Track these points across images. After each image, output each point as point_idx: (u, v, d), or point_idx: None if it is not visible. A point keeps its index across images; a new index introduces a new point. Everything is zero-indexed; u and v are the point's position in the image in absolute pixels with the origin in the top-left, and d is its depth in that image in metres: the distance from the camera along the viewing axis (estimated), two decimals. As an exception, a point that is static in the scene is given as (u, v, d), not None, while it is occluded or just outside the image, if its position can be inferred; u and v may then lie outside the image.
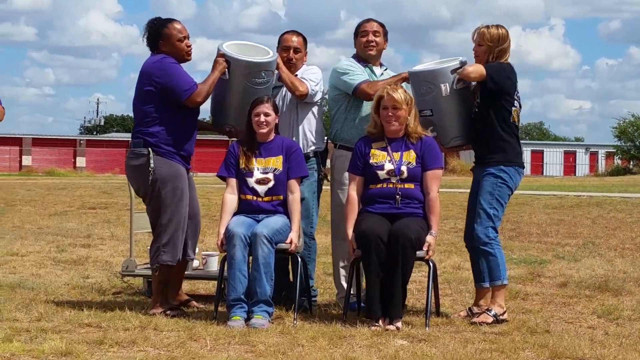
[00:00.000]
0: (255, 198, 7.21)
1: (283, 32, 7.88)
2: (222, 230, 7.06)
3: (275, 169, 7.22)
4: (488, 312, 7.05)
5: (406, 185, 7.07)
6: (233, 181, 7.27)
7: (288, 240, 7.04)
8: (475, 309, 7.29)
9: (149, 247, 7.56)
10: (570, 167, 77.83)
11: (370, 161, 7.14)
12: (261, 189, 7.20)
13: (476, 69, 7.08)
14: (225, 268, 7.03)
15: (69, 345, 5.84)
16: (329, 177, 7.89)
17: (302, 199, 7.49)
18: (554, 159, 77.44)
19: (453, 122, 7.35)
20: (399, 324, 6.73)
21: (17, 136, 68.88)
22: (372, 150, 7.17)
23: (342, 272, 7.68)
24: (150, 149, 7.19)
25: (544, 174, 73.15)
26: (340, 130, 7.74)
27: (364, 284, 7.31)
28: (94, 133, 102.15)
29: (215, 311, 7.07)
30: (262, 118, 7.20)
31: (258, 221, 7.09)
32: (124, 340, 6.10)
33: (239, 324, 6.68)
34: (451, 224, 16.36)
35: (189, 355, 5.77)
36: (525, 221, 17.28)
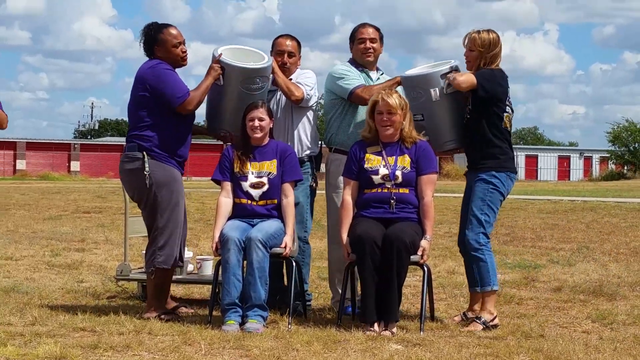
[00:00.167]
0: (249, 202, 7.21)
1: (277, 36, 7.87)
2: (217, 234, 7.06)
3: (270, 173, 7.22)
4: (477, 320, 7.05)
5: (401, 190, 7.07)
6: (228, 185, 7.27)
7: (282, 245, 7.04)
8: (470, 314, 7.29)
9: (143, 252, 7.55)
10: (564, 172, 77.91)
11: (365, 166, 7.14)
12: (255, 193, 7.21)
13: (467, 79, 7.07)
14: (220, 272, 7.03)
15: (63, 349, 5.83)
16: (327, 183, 7.85)
17: (297, 204, 7.49)
18: (548, 163, 77.52)
19: (445, 126, 7.35)
20: (394, 329, 6.73)
21: (11, 140, 68.75)
22: (367, 155, 7.17)
23: (338, 276, 7.67)
24: (144, 153, 7.19)
25: (538, 178, 73.21)
26: (335, 135, 7.75)
27: (358, 288, 7.31)
28: (88, 137, 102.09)
29: (209, 315, 7.07)
30: (257, 123, 7.20)
31: (252, 225, 7.10)
32: (118, 344, 6.09)
33: (233, 329, 6.68)
34: (445, 228, 16.37)
35: (183, 359, 5.76)
36: (519, 226, 17.29)
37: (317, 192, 7.92)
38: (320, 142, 7.94)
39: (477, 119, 7.21)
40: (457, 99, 7.27)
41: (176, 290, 8.83)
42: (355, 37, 7.81)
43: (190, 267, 8.25)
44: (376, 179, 7.09)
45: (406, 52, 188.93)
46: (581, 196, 30.09)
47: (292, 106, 7.69)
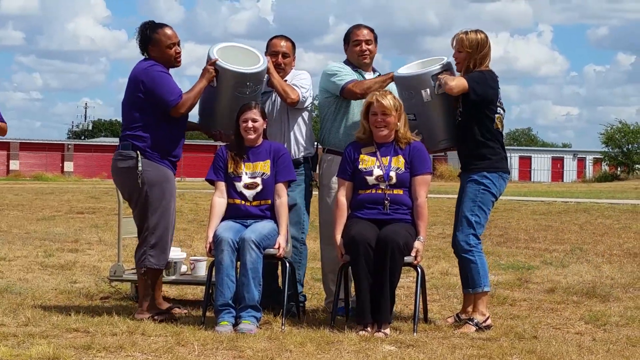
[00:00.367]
0: (243, 202, 7.20)
1: (271, 37, 7.86)
2: (211, 234, 7.05)
3: (263, 173, 7.22)
4: (470, 322, 7.05)
5: (395, 191, 7.07)
6: (222, 185, 7.26)
7: (276, 245, 7.04)
8: (463, 316, 7.29)
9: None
10: (558, 173, 78.02)
11: (359, 166, 7.14)
12: (249, 193, 7.20)
13: (458, 84, 7.05)
14: (213, 273, 7.02)
15: (56, 350, 5.82)
16: (318, 183, 7.86)
17: (294, 205, 7.50)
18: (541, 165, 77.62)
19: (438, 125, 7.35)
20: (387, 330, 6.73)
21: (5, 140, 68.57)
22: (362, 156, 7.18)
23: (331, 276, 7.67)
24: (138, 152, 7.19)
25: (532, 179, 73.32)
26: (328, 134, 7.75)
27: (352, 289, 7.31)
28: (82, 138, 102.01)
29: (203, 316, 7.06)
30: (250, 124, 7.20)
31: (246, 226, 7.09)
32: (111, 345, 6.09)
33: (226, 329, 6.68)
34: (439, 229, 16.38)
35: (176, 360, 5.77)
36: (513, 227, 17.31)
37: (313, 193, 7.91)
38: (315, 143, 7.94)
39: (468, 121, 7.21)
40: (449, 98, 7.26)
41: (169, 291, 8.82)
42: (350, 39, 7.80)
43: (183, 268, 8.24)
44: (370, 179, 7.09)
45: (400, 52, 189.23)
46: (575, 197, 30.16)
47: (288, 107, 7.68)
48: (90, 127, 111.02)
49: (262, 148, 7.30)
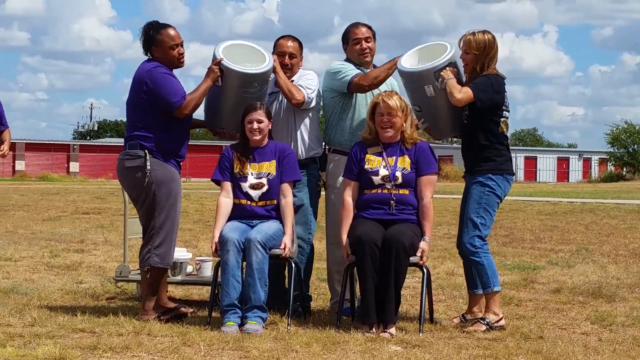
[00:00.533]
0: (249, 203, 7.21)
1: (278, 37, 7.84)
2: (217, 234, 7.06)
3: (269, 173, 7.22)
4: (481, 321, 7.04)
5: (401, 191, 7.08)
6: (228, 185, 7.26)
7: (282, 246, 7.04)
8: (469, 316, 7.28)
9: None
10: (563, 173, 77.92)
11: (365, 166, 7.15)
12: (255, 193, 7.21)
13: (464, 96, 7.01)
14: (219, 274, 7.03)
15: (62, 350, 5.83)
16: (326, 184, 7.84)
17: (301, 205, 7.50)
18: (547, 165, 77.54)
19: (443, 116, 7.31)
20: (393, 330, 6.73)
21: (10, 141, 68.71)
22: (367, 156, 7.18)
23: (337, 277, 7.67)
24: (146, 151, 7.19)
25: (537, 180, 73.20)
26: (334, 135, 7.74)
27: (357, 290, 7.31)
28: (88, 138, 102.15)
29: (209, 317, 7.06)
30: (255, 125, 7.20)
31: (252, 227, 7.10)
32: (117, 345, 6.09)
33: (232, 330, 6.68)
34: (445, 230, 16.37)
35: (182, 360, 5.77)
36: (518, 227, 17.29)
37: (321, 193, 7.89)
38: (323, 143, 7.93)
39: (473, 126, 7.20)
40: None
41: (175, 291, 8.83)
42: (349, 38, 7.78)
43: (189, 269, 8.25)
44: (376, 179, 7.10)
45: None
46: (580, 198, 30.10)
47: (296, 109, 7.67)
48: (95, 128, 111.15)
49: (267, 148, 7.30)
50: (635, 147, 67.32)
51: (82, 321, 6.91)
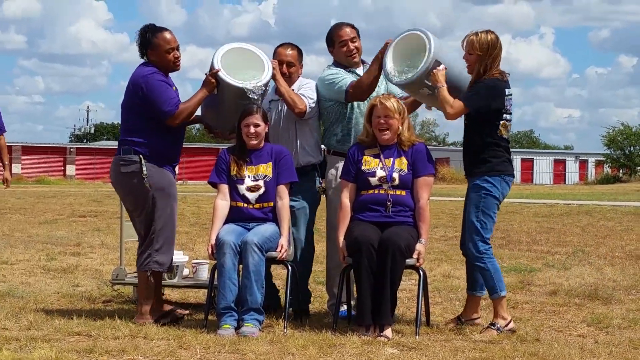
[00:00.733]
0: (246, 205, 7.21)
1: (278, 45, 7.80)
2: (214, 237, 7.06)
3: (266, 175, 7.22)
4: (492, 327, 7.02)
5: (397, 192, 7.08)
6: (224, 187, 7.26)
7: (279, 249, 7.05)
8: (464, 319, 7.28)
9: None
10: (560, 175, 78.01)
11: (363, 167, 7.15)
12: (252, 196, 7.21)
13: (456, 110, 6.98)
14: (216, 276, 7.03)
15: (58, 354, 5.83)
16: (327, 191, 7.82)
17: (301, 210, 7.52)
18: (543, 167, 77.62)
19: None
20: (389, 332, 6.73)
21: (7, 144, 68.62)
22: (365, 157, 7.18)
23: (337, 279, 7.64)
24: (141, 157, 7.19)
25: (534, 182, 73.31)
26: (334, 138, 7.72)
27: (354, 292, 7.31)
28: (84, 141, 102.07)
29: (205, 320, 7.06)
30: (252, 129, 7.20)
31: (248, 229, 7.10)
32: (113, 349, 6.09)
33: (229, 333, 6.68)
34: (441, 232, 16.38)
35: (179, 363, 5.77)
36: (515, 229, 17.31)
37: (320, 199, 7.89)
38: (323, 148, 7.92)
39: (470, 128, 7.17)
40: (451, 81, 7.19)
41: (172, 294, 8.83)
42: (334, 41, 7.73)
43: (185, 271, 8.24)
44: (373, 180, 7.10)
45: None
46: (577, 200, 30.13)
47: (296, 117, 7.65)
48: (92, 131, 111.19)
49: (264, 151, 7.30)
50: (632, 149, 67.46)
51: (79, 324, 6.91)
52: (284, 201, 7.21)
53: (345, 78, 7.57)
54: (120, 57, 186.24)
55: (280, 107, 7.71)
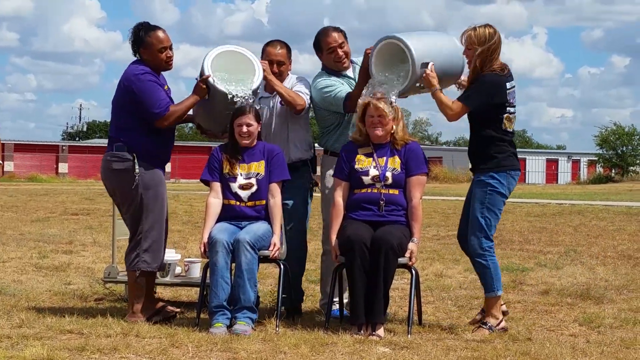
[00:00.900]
0: (238, 203, 7.20)
1: (266, 43, 7.76)
2: (206, 235, 7.05)
3: (258, 173, 7.22)
4: (483, 326, 7.03)
5: (390, 191, 7.08)
6: (217, 185, 7.26)
7: (271, 247, 7.04)
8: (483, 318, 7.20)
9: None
10: (552, 175, 78.09)
11: (356, 166, 7.15)
12: (244, 194, 7.20)
13: (457, 112, 7.00)
14: (208, 275, 7.02)
15: (50, 352, 5.82)
16: (319, 185, 7.84)
17: (294, 207, 7.50)
18: (536, 166, 77.67)
19: (447, 84, 7.35)
20: (381, 331, 6.73)
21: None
22: (358, 156, 7.18)
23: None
24: (134, 155, 7.18)
25: (526, 181, 73.31)
26: (328, 141, 7.71)
27: (347, 291, 7.31)
28: (77, 139, 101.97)
29: (197, 318, 7.06)
30: (245, 129, 7.19)
31: (241, 228, 7.10)
32: (105, 347, 6.08)
33: (221, 331, 6.68)
34: (434, 231, 16.39)
35: (171, 362, 5.76)
36: (507, 229, 17.31)
37: (314, 195, 7.89)
38: (315, 145, 7.91)
39: (474, 124, 7.15)
40: (444, 74, 7.20)
41: (164, 292, 8.82)
42: (322, 48, 7.67)
43: (178, 270, 8.24)
44: (366, 179, 7.10)
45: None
46: (569, 199, 30.17)
47: (287, 113, 7.64)
48: (84, 129, 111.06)
49: (256, 149, 7.30)
50: (624, 148, 67.55)
51: (70, 322, 6.90)
52: (276, 199, 7.21)
53: (341, 90, 7.52)
54: (113, 56, 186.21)
55: (271, 104, 7.70)
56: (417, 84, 7.14)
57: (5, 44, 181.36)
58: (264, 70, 7.40)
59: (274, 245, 7.05)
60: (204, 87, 7.24)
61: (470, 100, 7.02)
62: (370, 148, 7.20)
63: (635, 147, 68.10)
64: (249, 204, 7.20)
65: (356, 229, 6.90)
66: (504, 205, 7.21)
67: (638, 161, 68.49)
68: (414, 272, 7.07)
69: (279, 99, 7.62)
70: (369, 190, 7.10)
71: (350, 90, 7.48)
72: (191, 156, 64.19)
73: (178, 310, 7.56)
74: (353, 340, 6.51)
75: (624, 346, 6.51)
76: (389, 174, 7.09)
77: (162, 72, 7.41)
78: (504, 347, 6.33)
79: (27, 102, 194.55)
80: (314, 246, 8.14)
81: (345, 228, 6.99)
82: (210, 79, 7.21)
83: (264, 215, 7.20)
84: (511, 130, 7.18)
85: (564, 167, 79.84)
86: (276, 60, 7.65)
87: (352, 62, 7.78)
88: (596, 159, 71.41)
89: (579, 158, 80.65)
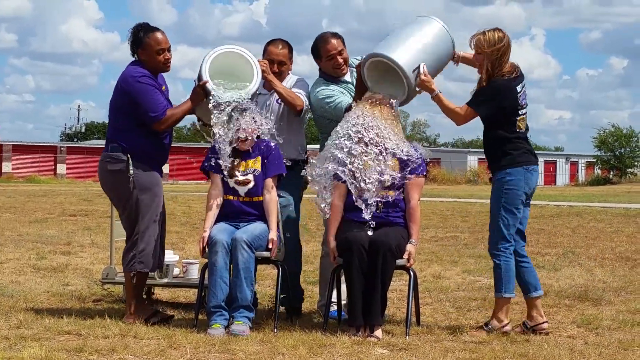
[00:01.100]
0: (235, 198, 7.20)
1: (269, 42, 7.73)
2: (207, 228, 7.05)
3: (255, 169, 7.22)
4: (484, 327, 7.02)
5: (389, 193, 7.08)
6: (217, 177, 7.22)
7: (270, 244, 7.04)
8: (529, 323, 7.15)
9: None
10: (550, 176, 78.11)
11: (354, 168, 7.14)
12: (241, 189, 7.20)
13: (466, 115, 7.00)
14: (206, 275, 7.02)
15: (48, 353, 5.81)
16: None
17: (288, 206, 7.50)
18: (534, 168, 77.61)
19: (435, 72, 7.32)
20: (379, 333, 6.73)
21: (-3, 142, 68.55)
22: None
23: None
24: (129, 156, 7.19)
25: (525, 183, 73.27)
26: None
27: (344, 292, 7.31)
28: (75, 140, 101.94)
29: (195, 319, 7.06)
30: (243, 134, 7.19)
31: (239, 229, 7.10)
32: (103, 348, 6.08)
33: (219, 332, 6.68)
34: (432, 233, 16.38)
35: (169, 363, 5.76)
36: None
37: (303, 195, 7.88)
38: (307, 147, 7.91)
39: (486, 126, 7.12)
40: (434, 66, 7.22)
41: (162, 294, 8.82)
42: (321, 55, 7.64)
43: (176, 271, 8.23)
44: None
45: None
46: (567, 201, 30.19)
47: (283, 112, 7.63)
48: (83, 130, 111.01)
49: (253, 145, 7.29)
50: (622, 150, 67.67)
51: (68, 323, 6.90)
52: (272, 194, 7.19)
53: (342, 101, 7.47)
54: (111, 56, 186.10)
55: (268, 102, 7.69)
56: (417, 89, 7.14)
57: (3, 45, 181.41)
58: (263, 72, 7.40)
59: (272, 241, 7.04)
60: (202, 92, 7.24)
61: (481, 107, 7.00)
62: (369, 150, 7.20)
63: (634, 148, 68.25)
64: (247, 199, 7.20)
65: (354, 231, 6.90)
66: (523, 204, 7.11)
67: (636, 163, 68.65)
68: (412, 273, 7.07)
69: (276, 97, 7.61)
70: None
71: (350, 101, 7.44)
72: (189, 157, 64.13)
73: (171, 315, 7.52)
74: (351, 341, 6.50)
75: (622, 348, 6.51)
76: (387, 176, 7.08)
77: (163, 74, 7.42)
78: (502, 349, 6.33)
79: (25, 103, 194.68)
80: (313, 247, 8.12)
81: (343, 230, 6.99)
82: (208, 85, 7.21)
83: (262, 212, 7.17)
84: (524, 130, 7.16)
85: (562, 169, 79.87)
86: (277, 59, 7.64)
87: (349, 65, 7.76)
88: (594, 160, 71.55)
89: (577, 160, 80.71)
